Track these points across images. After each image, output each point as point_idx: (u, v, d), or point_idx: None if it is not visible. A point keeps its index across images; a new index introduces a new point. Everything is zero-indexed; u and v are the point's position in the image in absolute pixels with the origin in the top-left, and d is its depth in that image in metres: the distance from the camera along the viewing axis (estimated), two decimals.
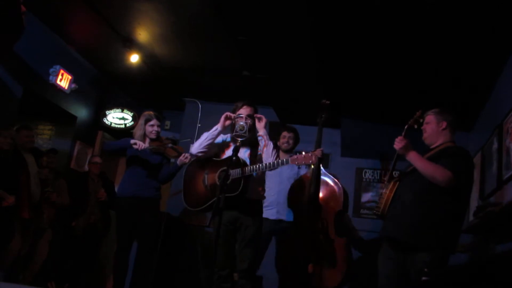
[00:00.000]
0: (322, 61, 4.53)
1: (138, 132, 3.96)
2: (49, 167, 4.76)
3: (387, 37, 3.84)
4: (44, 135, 5.66)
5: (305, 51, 4.43)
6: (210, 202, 3.09)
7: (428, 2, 3.19)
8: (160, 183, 3.97)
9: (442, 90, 4.61)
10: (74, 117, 5.60)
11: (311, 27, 3.94)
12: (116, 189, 3.88)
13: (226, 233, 3.11)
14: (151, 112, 4.04)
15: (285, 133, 4.25)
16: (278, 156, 4.11)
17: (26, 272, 4.60)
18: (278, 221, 4.02)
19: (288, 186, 4.13)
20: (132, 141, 3.75)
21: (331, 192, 3.93)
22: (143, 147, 3.73)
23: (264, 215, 4.02)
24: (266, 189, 3.93)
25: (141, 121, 3.99)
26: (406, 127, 3.04)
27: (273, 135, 4.40)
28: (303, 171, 4.24)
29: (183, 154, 3.83)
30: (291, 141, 4.20)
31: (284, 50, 4.52)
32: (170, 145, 3.96)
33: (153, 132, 3.94)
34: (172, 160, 4.10)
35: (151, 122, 3.96)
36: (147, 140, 3.95)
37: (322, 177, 3.97)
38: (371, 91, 4.85)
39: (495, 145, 3.87)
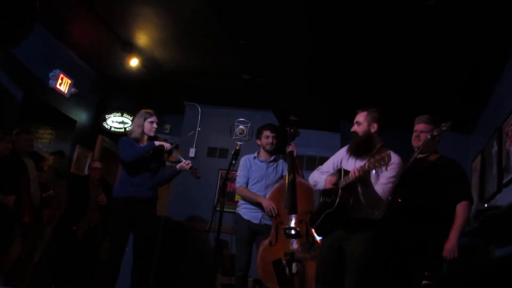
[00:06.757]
0: (322, 64, 4.54)
1: (136, 129, 3.79)
2: (54, 166, 4.77)
3: (387, 39, 3.85)
4: (44, 139, 5.65)
5: (305, 55, 4.44)
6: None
7: (428, 3, 3.19)
8: (155, 185, 3.83)
9: (442, 93, 4.62)
10: (74, 121, 5.60)
11: (311, 32, 3.95)
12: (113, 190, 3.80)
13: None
14: (150, 110, 3.86)
15: (268, 133, 4.02)
16: (258, 156, 4.06)
17: (25, 276, 4.59)
18: (263, 225, 3.92)
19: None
20: (157, 143, 3.71)
21: (307, 192, 3.81)
22: (169, 147, 3.77)
23: (248, 217, 3.90)
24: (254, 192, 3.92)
25: (139, 118, 3.82)
26: None
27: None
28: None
29: (185, 161, 3.73)
30: (275, 141, 4.03)
31: (284, 54, 4.52)
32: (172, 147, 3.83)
33: (153, 129, 3.80)
34: (168, 163, 3.95)
35: (151, 119, 3.80)
36: (145, 138, 3.80)
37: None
38: (371, 94, 4.86)
39: (495, 148, 3.87)
